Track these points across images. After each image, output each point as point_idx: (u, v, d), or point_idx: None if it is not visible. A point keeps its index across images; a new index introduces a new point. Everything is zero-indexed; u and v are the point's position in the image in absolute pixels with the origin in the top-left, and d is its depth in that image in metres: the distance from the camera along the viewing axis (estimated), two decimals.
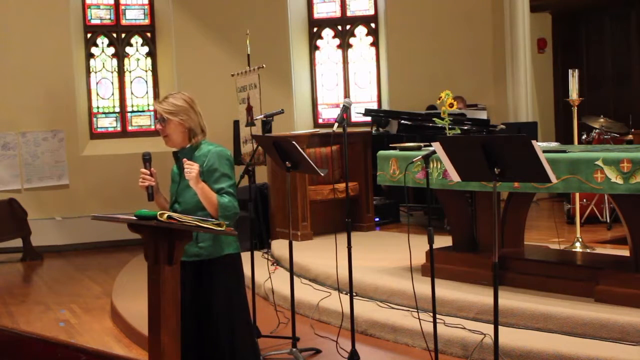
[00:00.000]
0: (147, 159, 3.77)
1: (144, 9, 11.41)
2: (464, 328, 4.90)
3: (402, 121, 9.17)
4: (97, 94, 11.19)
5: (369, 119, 10.03)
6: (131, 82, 11.36)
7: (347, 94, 11.60)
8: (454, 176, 4.22)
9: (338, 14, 11.82)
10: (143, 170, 3.75)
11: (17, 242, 9.92)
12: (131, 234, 3.45)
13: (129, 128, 11.36)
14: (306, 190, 7.91)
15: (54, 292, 7.94)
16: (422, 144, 6.10)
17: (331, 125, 4.94)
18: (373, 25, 11.72)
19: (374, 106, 11.59)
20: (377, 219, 8.65)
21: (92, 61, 11.15)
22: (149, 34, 11.40)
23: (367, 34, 11.76)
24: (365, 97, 11.75)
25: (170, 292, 3.31)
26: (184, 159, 3.72)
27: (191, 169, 3.67)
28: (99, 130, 11.19)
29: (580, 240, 6.63)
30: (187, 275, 3.74)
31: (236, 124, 9.10)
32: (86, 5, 11.09)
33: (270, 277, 6.18)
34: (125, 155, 10.84)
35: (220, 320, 3.75)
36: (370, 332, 5.35)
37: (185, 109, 3.82)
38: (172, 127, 3.80)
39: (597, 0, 11.18)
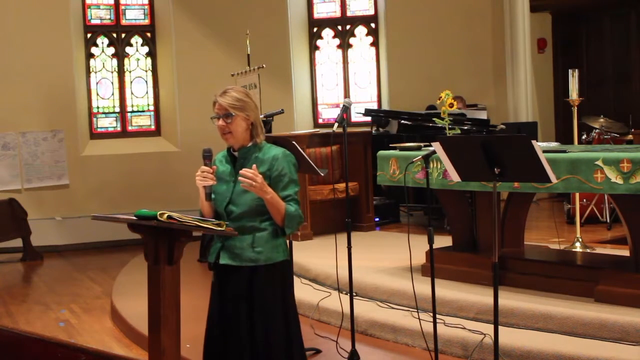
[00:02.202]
0: (207, 155, 3.48)
1: (144, 9, 11.40)
2: (464, 328, 4.90)
3: (402, 121, 9.18)
4: (97, 94, 11.18)
5: (369, 119, 10.03)
6: (131, 82, 11.35)
7: (347, 94, 11.60)
8: (454, 176, 4.23)
9: (338, 14, 11.82)
10: (204, 167, 3.45)
11: (17, 242, 9.90)
12: (131, 234, 3.45)
13: (129, 128, 11.35)
14: (306, 190, 7.90)
15: (54, 292, 7.93)
16: (422, 144, 6.09)
17: (331, 125, 4.94)
18: (373, 25, 11.72)
19: (374, 106, 11.58)
20: (377, 219, 8.65)
21: (92, 61, 11.14)
22: (149, 34, 11.39)
23: (367, 34, 11.76)
24: (365, 97, 11.75)
25: (170, 292, 3.31)
26: (243, 170, 3.39)
27: (252, 182, 3.35)
28: (99, 130, 11.18)
29: (580, 240, 6.62)
30: (241, 281, 3.51)
31: None
32: (86, 5, 11.08)
33: None
34: (125, 155, 10.88)
35: (277, 322, 3.56)
36: (370, 332, 5.35)
37: (250, 104, 3.55)
38: (238, 123, 3.51)
39: (597, 0, 11.18)
